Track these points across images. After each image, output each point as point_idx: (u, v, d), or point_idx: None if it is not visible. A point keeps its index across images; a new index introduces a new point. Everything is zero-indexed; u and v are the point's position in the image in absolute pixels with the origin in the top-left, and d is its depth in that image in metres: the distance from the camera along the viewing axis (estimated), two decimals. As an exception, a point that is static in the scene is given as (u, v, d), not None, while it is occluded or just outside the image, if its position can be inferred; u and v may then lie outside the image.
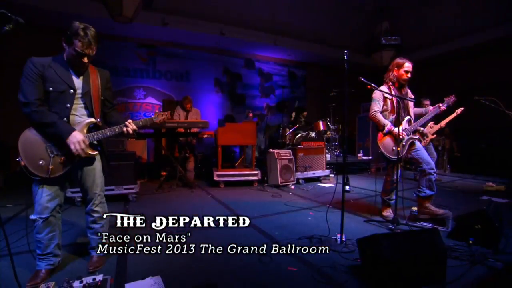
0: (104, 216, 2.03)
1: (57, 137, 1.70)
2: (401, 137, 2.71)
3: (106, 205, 2.08)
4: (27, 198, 3.86)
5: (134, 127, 1.91)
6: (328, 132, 6.35)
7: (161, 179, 4.99)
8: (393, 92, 2.83)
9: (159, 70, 7.01)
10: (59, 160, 1.74)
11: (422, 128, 4.06)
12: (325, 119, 6.29)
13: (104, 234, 2.04)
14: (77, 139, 1.69)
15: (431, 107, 2.98)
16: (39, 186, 1.74)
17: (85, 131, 1.80)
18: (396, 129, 2.69)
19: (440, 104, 2.91)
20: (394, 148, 2.76)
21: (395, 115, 2.80)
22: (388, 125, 2.82)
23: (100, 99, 1.89)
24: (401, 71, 2.85)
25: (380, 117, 2.87)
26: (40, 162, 1.68)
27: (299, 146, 5.34)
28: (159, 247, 1.88)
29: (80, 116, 1.81)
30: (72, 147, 1.69)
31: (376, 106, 2.89)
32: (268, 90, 8.55)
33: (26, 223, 2.31)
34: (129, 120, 1.92)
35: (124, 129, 1.88)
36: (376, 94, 2.91)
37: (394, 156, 2.77)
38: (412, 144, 2.87)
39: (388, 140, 2.84)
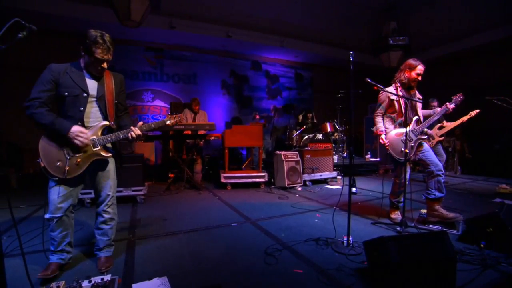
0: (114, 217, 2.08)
1: (58, 135, 1.76)
2: (382, 142, 2.78)
3: (116, 206, 2.13)
4: (41, 199, 3.97)
5: (138, 132, 1.96)
6: (335, 134, 6.30)
7: (169, 181, 5.04)
8: (400, 93, 2.80)
9: (166, 73, 7.10)
10: (75, 161, 1.81)
11: (427, 130, 3.98)
12: (332, 121, 6.25)
13: (112, 236, 2.09)
14: (75, 131, 1.75)
15: (438, 108, 2.93)
16: (54, 187, 1.81)
17: (99, 133, 1.87)
18: (384, 136, 2.81)
19: (448, 104, 2.86)
20: (402, 149, 2.72)
21: (403, 118, 2.76)
22: (379, 129, 2.87)
23: (114, 102, 1.96)
24: (413, 73, 2.81)
25: (377, 119, 2.94)
26: (58, 164, 1.76)
27: (306, 148, 5.32)
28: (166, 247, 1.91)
29: (95, 119, 1.88)
30: (76, 141, 1.76)
31: (379, 110, 2.95)
32: (275, 92, 8.55)
33: (43, 223, 2.38)
34: (136, 126, 1.98)
35: (129, 134, 1.94)
36: (381, 98, 2.93)
37: (402, 157, 2.74)
38: (420, 145, 2.83)
39: (396, 141, 2.80)
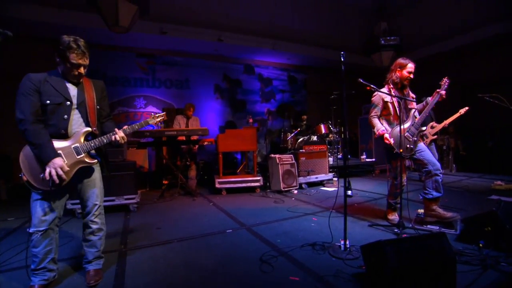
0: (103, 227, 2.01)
1: (39, 159, 1.68)
2: (387, 142, 2.67)
3: (104, 216, 2.05)
4: (29, 211, 3.87)
5: (122, 134, 1.90)
6: (330, 135, 6.27)
7: (163, 188, 4.95)
8: (393, 93, 2.78)
9: (158, 78, 7.03)
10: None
11: (424, 128, 3.93)
12: (326, 122, 6.23)
13: (101, 247, 2.01)
14: (55, 165, 1.66)
15: (429, 98, 2.85)
16: (38, 199, 1.73)
17: (82, 140, 1.81)
18: (387, 135, 2.69)
19: (438, 90, 2.77)
20: (408, 145, 2.70)
21: (398, 122, 2.73)
22: (380, 130, 2.75)
23: (96, 108, 1.91)
24: (404, 72, 2.78)
25: (375, 121, 2.84)
26: (41, 176, 1.68)
27: (301, 151, 5.28)
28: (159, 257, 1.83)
29: (77, 126, 1.83)
30: (47, 170, 1.65)
31: (374, 111, 2.86)
32: (269, 95, 8.52)
33: (28, 237, 2.29)
34: (116, 129, 1.92)
35: (112, 137, 1.88)
36: (375, 98, 2.88)
37: (408, 153, 2.71)
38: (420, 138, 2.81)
39: (398, 136, 2.73)
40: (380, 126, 2.79)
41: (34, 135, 1.64)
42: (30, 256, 1.79)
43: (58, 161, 1.67)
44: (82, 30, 5.32)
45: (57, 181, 1.67)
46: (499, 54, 7.01)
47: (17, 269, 2.11)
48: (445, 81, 2.78)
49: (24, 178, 1.67)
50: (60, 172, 1.67)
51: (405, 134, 2.72)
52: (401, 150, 2.59)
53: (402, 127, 2.56)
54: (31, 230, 1.74)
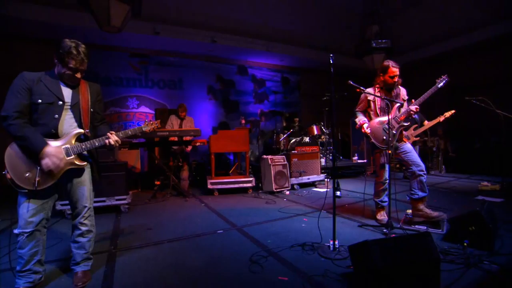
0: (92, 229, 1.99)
1: (30, 151, 1.67)
2: (363, 131, 2.86)
3: (94, 218, 2.04)
4: (14, 213, 3.79)
5: (116, 138, 1.90)
6: (322, 137, 6.32)
7: (155, 188, 4.93)
8: (378, 94, 2.87)
9: (151, 79, 6.99)
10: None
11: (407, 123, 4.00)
12: (319, 124, 6.28)
13: (89, 249, 1.99)
14: (48, 153, 1.65)
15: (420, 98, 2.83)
16: (24, 200, 1.71)
17: (73, 141, 1.80)
18: (366, 125, 2.87)
19: (437, 80, 2.75)
20: (384, 137, 2.78)
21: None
22: (361, 120, 2.92)
23: (90, 111, 1.90)
24: (387, 76, 2.85)
25: (357, 114, 3.06)
26: (27, 175, 1.67)
27: (293, 152, 5.31)
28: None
29: (69, 127, 1.81)
30: (43, 161, 1.65)
31: (359, 107, 3.08)
32: (262, 96, 8.55)
33: (9, 239, 2.26)
34: (111, 132, 1.91)
35: (106, 141, 1.87)
36: (361, 97, 3.04)
37: (384, 145, 2.81)
38: (401, 133, 2.89)
39: (378, 129, 2.84)
40: (362, 117, 2.96)
41: (18, 128, 1.63)
42: (16, 258, 1.76)
43: (50, 148, 1.68)
44: (74, 29, 5.27)
45: (55, 171, 1.66)
46: (488, 58, 7.18)
47: (3, 271, 2.08)
48: (443, 78, 2.75)
49: (8, 176, 1.65)
50: (56, 161, 1.67)
51: (384, 127, 2.81)
52: (388, 151, 2.64)
53: (389, 117, 2.60)
54: (17, 232, 1.71)
